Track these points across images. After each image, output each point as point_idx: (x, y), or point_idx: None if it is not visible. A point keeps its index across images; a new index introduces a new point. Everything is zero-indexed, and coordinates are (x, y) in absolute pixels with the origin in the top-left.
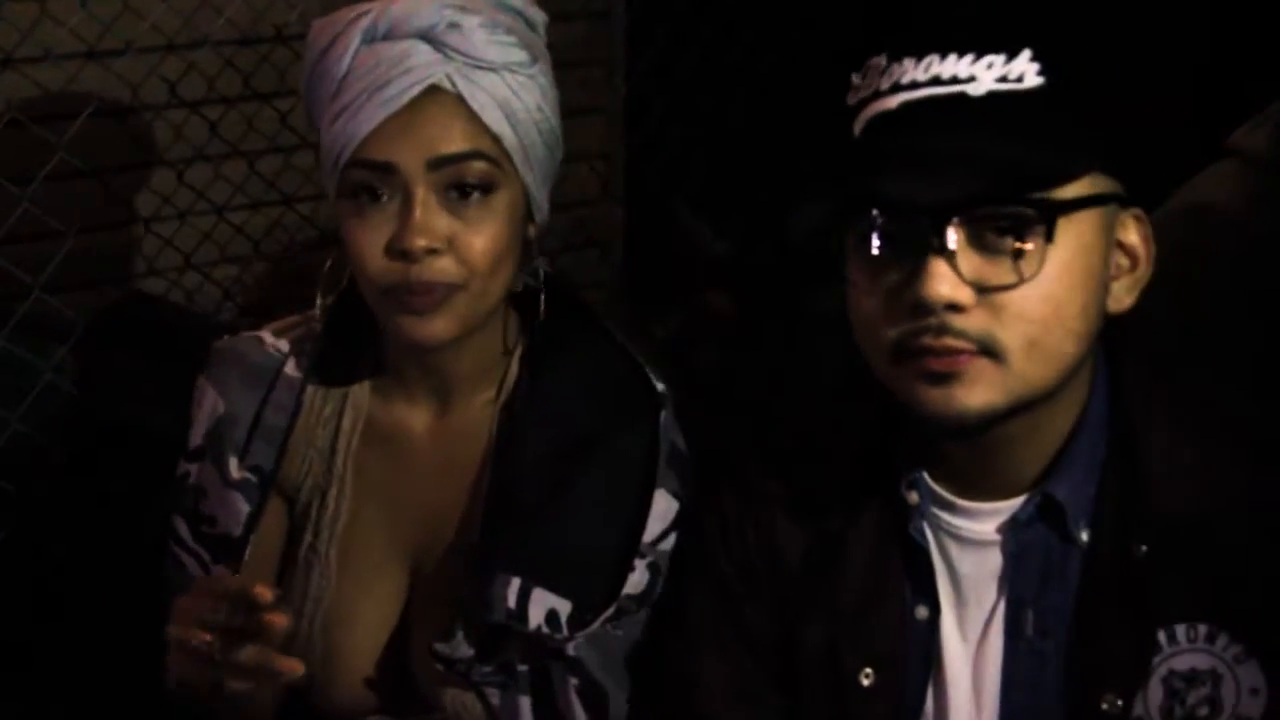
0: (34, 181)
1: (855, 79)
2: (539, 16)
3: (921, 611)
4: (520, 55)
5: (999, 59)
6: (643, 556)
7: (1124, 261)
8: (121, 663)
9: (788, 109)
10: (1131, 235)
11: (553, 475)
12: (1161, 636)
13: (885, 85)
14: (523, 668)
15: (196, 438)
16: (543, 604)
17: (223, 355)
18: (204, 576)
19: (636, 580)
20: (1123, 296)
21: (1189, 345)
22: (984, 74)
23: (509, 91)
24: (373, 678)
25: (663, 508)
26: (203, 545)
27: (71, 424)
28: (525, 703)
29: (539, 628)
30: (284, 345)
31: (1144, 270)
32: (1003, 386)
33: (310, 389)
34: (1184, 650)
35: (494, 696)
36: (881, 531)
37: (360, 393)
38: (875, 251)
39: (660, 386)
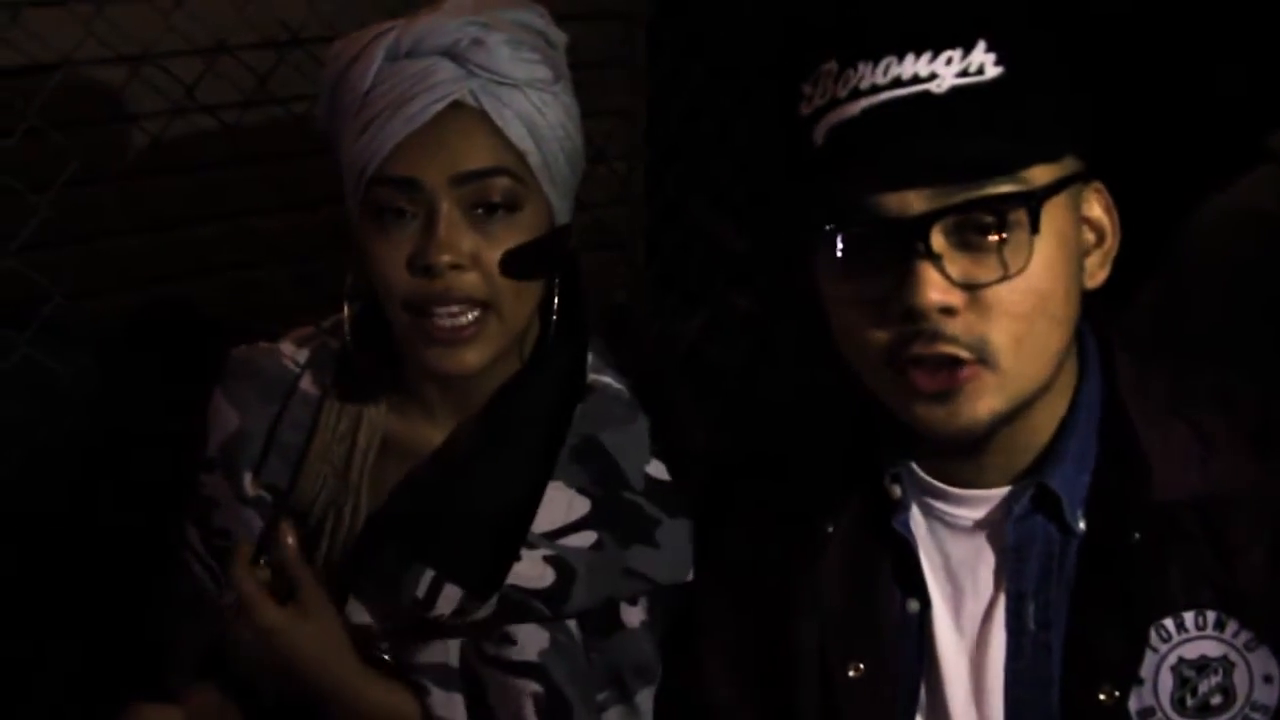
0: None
1: (806, 88)
2: (560, 37)
3: (912, 605)
4: (544, 72)
5: (956, 53)
6: (533, 547)
7: (1090, 237)
8: (134, 670)
9: None
10: (1095, 209)
11: (469, 457)
12: (1170, 624)
13: (843, 92)
14: (454, 665)
15: (211, 449)
16: (453, 598)
17: (238, 367)
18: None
19: (531, 574)
20: (1095, 272)
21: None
22: (944, 70)
23: (533, 108)
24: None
25: (563, 501)
26: (216, 559)
27: (92, 430)
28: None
29: (447, 614)
30: (301, 358)
31: (1111, 242)
32: (1001, 391)
33: (326, 405)
34: (1193, 637)
35: (435, 694)
36: (864, 527)
37: (378, 408)
38: (854, 261)
39: (604, 380)
